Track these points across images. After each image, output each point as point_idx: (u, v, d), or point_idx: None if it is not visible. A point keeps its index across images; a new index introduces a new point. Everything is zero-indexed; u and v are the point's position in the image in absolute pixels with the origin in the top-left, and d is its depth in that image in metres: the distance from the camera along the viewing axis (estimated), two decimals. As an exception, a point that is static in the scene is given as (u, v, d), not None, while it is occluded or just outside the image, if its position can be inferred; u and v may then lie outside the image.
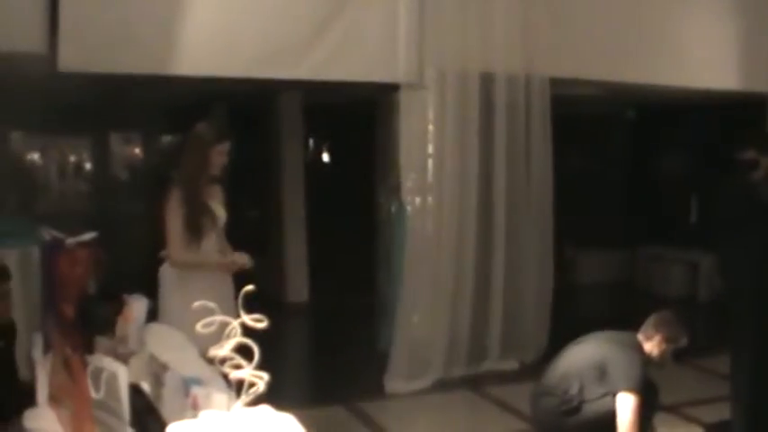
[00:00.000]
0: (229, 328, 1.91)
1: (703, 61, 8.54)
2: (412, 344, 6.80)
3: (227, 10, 6.13)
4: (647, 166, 11.89)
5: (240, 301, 1.96)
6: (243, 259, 4.81)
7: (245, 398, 1.91)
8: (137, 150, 16.94)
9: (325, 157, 13.59)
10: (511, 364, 7.35)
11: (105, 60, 5.66)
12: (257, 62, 6.24)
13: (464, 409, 6.55)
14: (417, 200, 6.92)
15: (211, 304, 1.96)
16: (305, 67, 6.44)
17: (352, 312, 8.73)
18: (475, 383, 6.97)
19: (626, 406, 4.56)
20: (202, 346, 3.57)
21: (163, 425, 2.44)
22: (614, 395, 4.64)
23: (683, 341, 4.91)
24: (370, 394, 6.58)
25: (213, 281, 4.65)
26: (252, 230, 12.17)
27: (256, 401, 1.97)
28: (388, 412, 6.31)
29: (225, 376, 1.95)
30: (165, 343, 3.52)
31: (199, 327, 1.93)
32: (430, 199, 6.90)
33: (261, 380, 1.90)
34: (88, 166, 14.07)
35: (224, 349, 1.92)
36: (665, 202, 11.40)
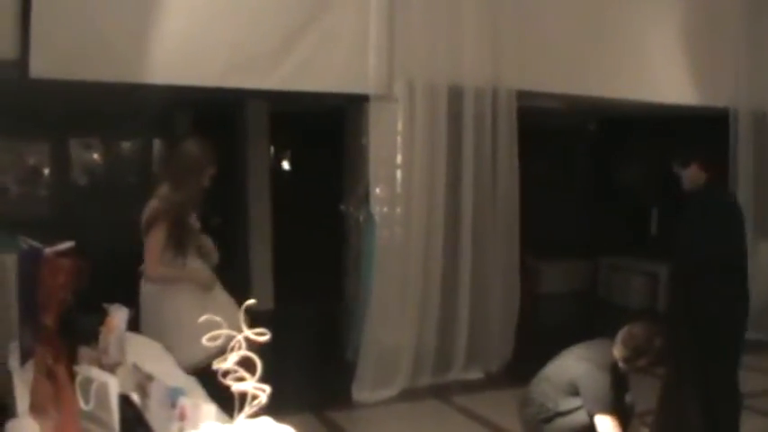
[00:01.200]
0: (234, 341, 1.94)
1: (664, 76, 8.71)
2: (379, 353, 6.84)
3: (199, 19, 6.14)
4: (609, 178, 12.04)
5: (242, 314, 1.99)
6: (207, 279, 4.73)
7: (248, 410, 1.94)
8: (96, 156, 16.79)
9: (292, 166, 13.59)
10: (476, 374, 7.42)
11: (77, 68, 5.64)
12: (228, 72, 6.27)
13: (431, 418, 6.59)
14: (385, 210, 6.98)
15: (218, 318, 1.99)
16: (275, 77, 6.47)
17: (318, 321, 8.75)
18: (441, 392, 7.03)
19: (605, 427, 4.69)
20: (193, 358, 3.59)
21: (152, 436, 2.47)
22: (587, 411, 4.78)
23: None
24: (337, 403, 6.63)
25: (202, 294, 4.61)
26: (216, 238, 12.16)
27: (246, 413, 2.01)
28: (355, 421, 6.36)
29: (227, 388, 1.99)
30: (145, 353, 3.55)
31: (204, 340, 1.96)
32: (398, 209, 6.96)
33: (263, 392, 1.93)
34: (47, 171, 13.92)
35: (228, 362, 1.96)
36: (626, 214, 11.55)
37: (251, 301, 1.98)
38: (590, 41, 8.07)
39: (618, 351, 4.95)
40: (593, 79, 8.20)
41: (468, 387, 7.19)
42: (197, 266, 4.74)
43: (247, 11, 6.37)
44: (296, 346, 7.74)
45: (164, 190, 4.67)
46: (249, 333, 1.99)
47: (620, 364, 4.94)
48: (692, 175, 5.73)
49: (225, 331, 1.97)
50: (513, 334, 7.72)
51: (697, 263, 5.34)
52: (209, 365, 2.13)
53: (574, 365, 4.96)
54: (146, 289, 4.68)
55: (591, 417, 4.76)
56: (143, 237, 4.59)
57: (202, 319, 1.99)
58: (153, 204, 4.60)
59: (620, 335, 4.97)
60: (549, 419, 4.93)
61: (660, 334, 5.00)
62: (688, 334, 5.40)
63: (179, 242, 4.58)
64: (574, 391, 4.88)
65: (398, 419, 6.51)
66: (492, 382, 7.36)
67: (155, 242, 4.52)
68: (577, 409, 4.85)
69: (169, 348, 4.04)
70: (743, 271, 5.57)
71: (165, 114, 12.35)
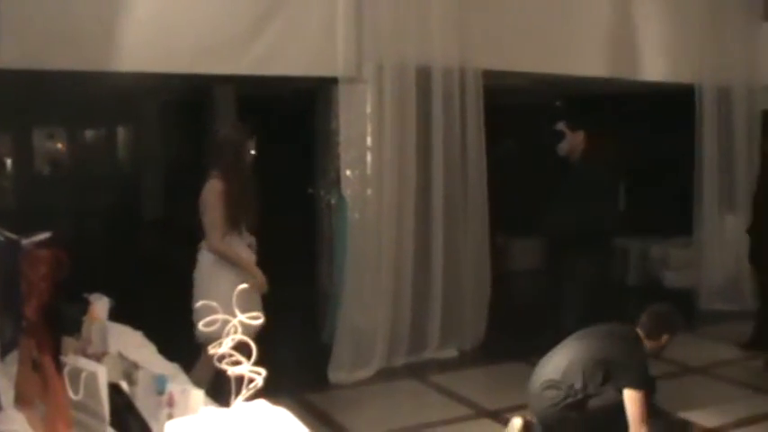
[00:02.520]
0: (229, 325, 1.98)
1: (631, 53, 8.81)
2: (354, 334, 6.90)
3: (167, 6, 6.14)
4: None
5: (235, 298, 2.03)
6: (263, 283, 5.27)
7: (245, 393, 1.98)
8: (60, 146, 16.63)
9: (260, 150, 13.55)
10: (450, 353, 7.49)
11: (46, 57, 5.63)
12: (197, 58, 6.28)
13: (407, 397, 6.63)
14: (356, 192, 7.01)
15: (214, 303, 2.02)
16: (245, 62, 6.49)
17: (292, 304, 8.76)
18: (417, 372, 7.09)
19: (635, 402, 4.84)
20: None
21: (142, 423, 2.49)
22: (618, 390, 4.91)
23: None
24: (314, 385, 6.67)
25: (242, 273, 5.12)
26: (187, 223, 12.09)
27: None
28: (333, 402, 6.39)
29: (224, 372, 2.02)
30: (127, 342, 3.57)
31: (200, 326, 1.99)
32: (369, 191, 6.99)
33: (259, 375, 1.98)
34: (9, 162, 13.80)
35: (223, 347, 1.99)
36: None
37: (244, 285, 2.02)
38: (556, 19, 8.15)
39: (641, 329, 5.15)
40: (559, 58, 8.28)
41: (443, 366, 7.26)
42: (247, 256, 5.33)
43: (214, -3, 6.38)
44: (270, 330, 7.77)
45: (215, 174, 5.17)
46: (243, 317, 2.03)
47: (646, 342, 5.14)
48: (572, 142, 6.48)
49: (220, 316, 2.00)
50: (485, 313, 7.79)
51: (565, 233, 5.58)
52: None
53: (607, 345, 5.11)
54: (205, 258, 5.22)
55: (621, 392, 4.90)
56: (201, 214, 5.17)
57: (199, 304, 2.03)
58: (212, 185, 5.13)
59: (643, 316, 5.20)
60: (579, 402, 5.02)
61: (678, 312, 5.33)
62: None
63: (233, 220, 5.18)
64: (605, 371, 5.00)
65: (375, 399, 6.55)
66: (466, 360, 7.44)
67: (216, 218, 5.11)
68: (609, 390, 4.98)
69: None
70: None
71: (130, 101, 12.28)
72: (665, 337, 5.20)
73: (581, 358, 5.08)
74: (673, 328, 5.23)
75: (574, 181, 6.76)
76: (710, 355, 7.77)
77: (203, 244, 5.23)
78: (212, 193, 5.11)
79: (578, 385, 5.00)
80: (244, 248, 5.33)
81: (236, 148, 5.28)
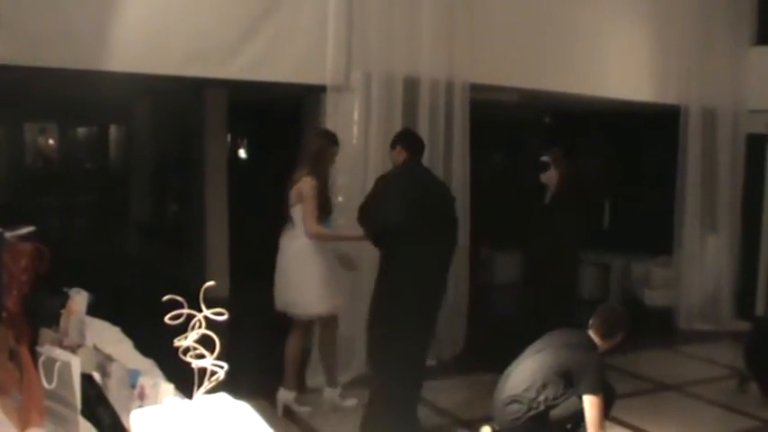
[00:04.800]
0: (194, 320, 2.05)
1: (618, 73, 8.93)
2: (334, 340, 6.94)
3: (160, 8, 6.21)
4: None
5: (201, 295, 2.10)
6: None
7: (207, 385, 2.05)
8: (51, 142, 16.69)
9: (249, 154, 13.62)
10: (428, 361, 7.51)
11: (41, 54, 5.70)
12: (189, 61, 6.36)
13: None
14: (341, 199, 7.05)
15: (179, 298, 2.10)
16: (235, 66, 6.56)
17: (274, 309, 8.80)
18: (394, 379, 7.13)
19: (594, 406, 5.00)
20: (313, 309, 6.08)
21: (113, 414, 2.55)
22: (579, 396, 5.06)
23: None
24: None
25: (330, 252, 6.16)
26: (173, 224, 12.17)
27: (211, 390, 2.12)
28: (310, 406, 6.44)
29: (187, 369, 2.09)
30: (104, 336, 3.64)
31: (167, 319, 2.06)
32: (354, 198, 7.02)
33: (221, 369, 2.05)
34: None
35: (188, 340, 2.06)
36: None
37: (210, 283, 2.08)
38: (545, 37, 8.26)
39: (595, 332, 5.27)
40: (547, 74, 8.38)
41: (421, 374, 7.30)
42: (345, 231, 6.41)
43: (208, 1, 6.45)
44: (251, 333, 7.81)
45: (304, 170, 6.02)
46: (208, 312, 2.10)
47: (602, 343, 5.27)
48: (551, 175, 6.93)
49: (185, 310, 2.07)
50: (464, 322, 7.86)
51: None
52: None
53: (564, 355, 5.21)
54: (296, 243, 6.06)
55: (581, 399, 5.04)
56: (291, 206, 6.05)
57: (166, 298, 2.10)
58: (306, 181, 5.96)
59: (595, 318, 5.32)
60: (541, 414, 5.15)
61: (626, 312, 5.50)
62: None
63: (321, 209, 6.02)
64: (565, 381, 5.14)
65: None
66: (443, 370, 7.50)
67: (312, 208, 5.94)
68: (569, 397, 5.12)
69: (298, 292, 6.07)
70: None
71: (123, 101, 12.34)
72: (620, 335, 5.34)
73: (541, 371, 5.20)
74: (626, 325, 5.38)
75: (546, 210, 7.34)
76: (687, 373, 7.87)
77: (292, 232, 6.08)
78: (308, 186, 5.94)
79: (540, 398, 5.14)
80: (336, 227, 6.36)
81: (322, 150, 6.09)
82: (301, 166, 6.08)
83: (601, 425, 5.02)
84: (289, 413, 6.32)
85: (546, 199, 7.33)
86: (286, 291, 6.16)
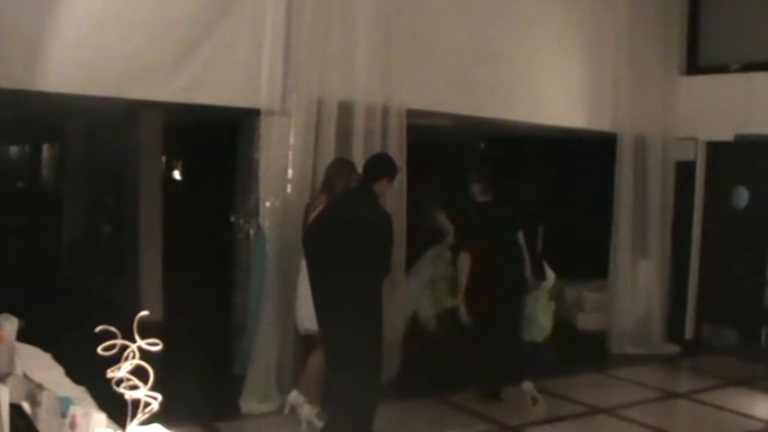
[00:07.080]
0: (127, 351, 2.03)
1: (552, 100, 9.07)
2: (267, 365, 6.89)
3: (95, 29, 6.14)
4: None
5: (135, 325, 2.09)
6: None
7: (140, 417, 2.03)
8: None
9: (184, 176, 13.51)
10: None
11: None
12: (124, 82, 6.31)
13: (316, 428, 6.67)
14: (275, 223, 7.03)
15: (113, 329, 2.08)
16: (170, 89, 6.53)
17: (206, 332, 8.74)
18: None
19: None
20: None
21: (40, 445, 2.52)
22: None
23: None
24: (225, 414, 6.68)
25: None
26: (107, 246, 12.01)
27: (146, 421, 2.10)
28: (241, 431, 6.40)
29: (121, 396, 2.07)
30: (35, 363, 3.58)
31: (99, 350, 2.04)
32: (288, 223, 7.01)
33: (155, 400, 2.03)
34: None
35: (121, 371, 2.04)
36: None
37: (144, 313, 2.07)
38: (481, 64, 8.35)
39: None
40: (482, 101, 8.46)
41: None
42: None
43: (144, 23, 6.40)
44: (184, 357, 7.76)
45: (325, 194, 6.28)
46: (142, 343, 2.08)
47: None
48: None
49: (119, 341, 2.05)
50: (399, 347, 7.85)
51: None
52: None
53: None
54: None
55: None
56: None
57: (99, 328, 2.08)
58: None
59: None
60: None
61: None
62: None
63: None
64: None
65: (282, 428, 6.57)
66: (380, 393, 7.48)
67: None
68: None
69: None
70: None
71: (56, 120, 12.16)
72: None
73: None
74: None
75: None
76: (618, 396, 7.97)
77: None
78: None
79: None
80: None
81: (344, 178, 6.29)
82: (323, 191, 6.40)
83: None
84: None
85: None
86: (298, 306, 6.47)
